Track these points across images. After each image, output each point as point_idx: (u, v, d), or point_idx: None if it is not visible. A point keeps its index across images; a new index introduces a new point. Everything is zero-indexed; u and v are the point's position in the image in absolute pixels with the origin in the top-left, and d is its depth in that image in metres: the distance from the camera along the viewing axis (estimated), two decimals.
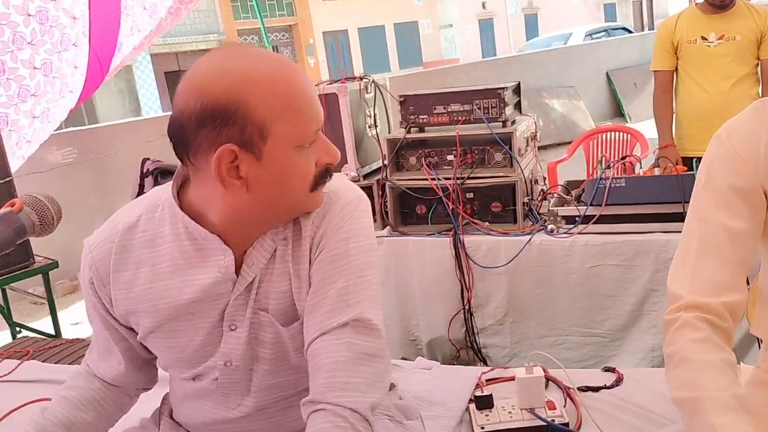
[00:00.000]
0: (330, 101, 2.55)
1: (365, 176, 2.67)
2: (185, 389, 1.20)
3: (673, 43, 2.84)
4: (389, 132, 2.78)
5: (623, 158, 2.57)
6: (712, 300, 1.02)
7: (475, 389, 1.55)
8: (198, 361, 1.14)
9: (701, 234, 1.08)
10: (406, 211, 2.60)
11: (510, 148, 2.40)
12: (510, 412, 1.43)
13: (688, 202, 2.10)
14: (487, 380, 1.62)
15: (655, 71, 2.95)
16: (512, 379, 1.50)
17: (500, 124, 2.45)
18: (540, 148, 2.89)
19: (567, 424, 1.40)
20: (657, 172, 2.41)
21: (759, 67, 2.81)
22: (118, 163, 4.83)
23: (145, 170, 3.00)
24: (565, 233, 2.34)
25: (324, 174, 1.05)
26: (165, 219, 1.09)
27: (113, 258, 1.11)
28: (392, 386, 1.33)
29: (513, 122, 2.52)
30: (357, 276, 1.05)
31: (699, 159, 2.22)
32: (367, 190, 2.61)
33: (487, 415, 1.43)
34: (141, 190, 2.98)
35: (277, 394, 1.15)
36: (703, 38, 2.77)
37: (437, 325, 2.54)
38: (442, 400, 1.51)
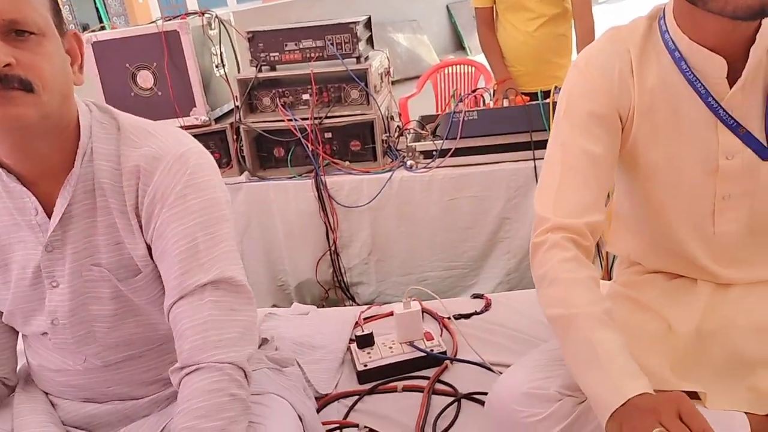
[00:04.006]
0: (171, 39, 2.36)
1: (217, 120, 2.53)
2: (34, 341, 1.15)
3: None
4: (239, 71, 2.64)
5: (474, 91, 2.62)
6: (575, 221, 1.08)
7: (354, 329, 1.56)
8: (28, 317, 1.09)
9: (563, 159, 1.13)
10: (263, 154, 2.51)
11: (366, 85, 2.37)
12: (391, 348, 1.47)
13: (535, 131, 2.26)
14: (365, 318, 1.64)
15: (475, 7, 2.96)
16: (390, 315, 1.53)
17: (354, 60, 2.40)
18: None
19: (445, 352, 1.46)
20: (505, 103, 2.49)
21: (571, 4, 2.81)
22: None
23: None
24: (424, 168, 2.38)
25: None
26: None
27: None
28: (265, 341, 1.30)
29: (366, 58, 2.48)
30: (204, 233, 1.00)
31: (544, 91, 2.33)
32: (221, 134, 2.48)
33: (368, 353, 1.45)
34: None
35: (126, 351, 1.11)
36: None
37: (304, 268, 2.51)
38: (322, 344, 1.51)
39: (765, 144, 1.08)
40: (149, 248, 1.03)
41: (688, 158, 1.12)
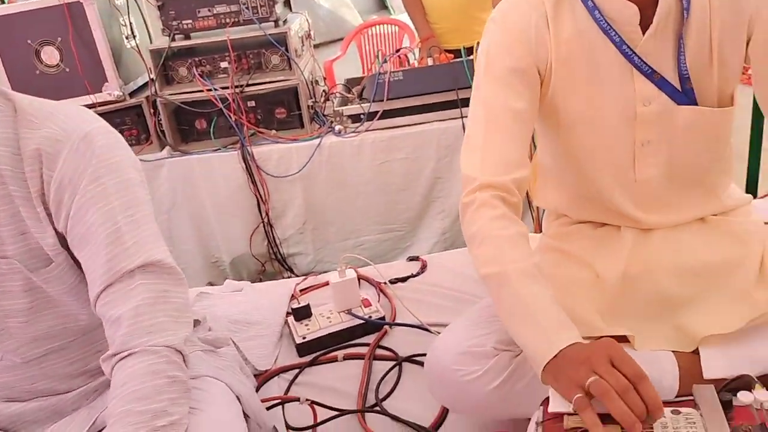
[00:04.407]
0: (75, 11, 2.22)
1: (131, 94, 2.42)
2: None
3: None
4: (151, 42, 2.52)
5: (398, 51, 2.59)
6: (502, 178, 1.07)
7: (291, 301, 1.54)
8: None
9: (487, 117, 1.12)
10: (184, 128, 2.42)
11: (286, 50, 2.31)
12: (329, 318, 1.45)
13: (461, 88, 2.26)
14: (301, 290, 1.62)
15: None
16: (326, 284, 1.51)
17: (272, 24, 2.33)
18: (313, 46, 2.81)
19: (383, 318, 1.46)
20: (430, 62, 2.47)
21: None
22: None
23: None
24: (353, 132, 2.35)
25: None
26: None
27: None
28: (197, 322, 1.26)
29: (285, 21, 2.41)
30: (125, 216, 0.96)
31: (467, 48, 2.32)
32: (137, 109, 2.38)
33: (306, 325, 1.43)
34: None
35: (47, 345, 1.06)
36: None
37: (238, 243, 2.46)
38: (258, 320, 1.48)
39: (679, 89, 1.10)
40: (60, 237, 0.97)
41: (607, 107, 1.13)
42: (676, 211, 1.20)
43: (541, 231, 1.44)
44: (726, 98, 1.13)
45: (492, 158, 1.09)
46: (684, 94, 1.10)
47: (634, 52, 1.08)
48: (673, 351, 1.11)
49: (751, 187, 2.30)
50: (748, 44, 1.08)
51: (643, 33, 1.07)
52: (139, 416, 0.86)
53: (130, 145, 2.34)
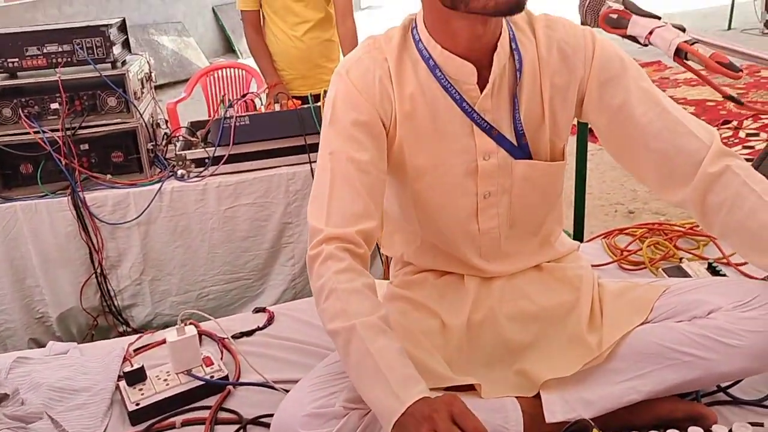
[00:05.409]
0: None
1: None
2: None
3: None
4: None
5: (244, 96, 2.55)
6: (348, 230, 1.07)
7: (123, 363, 1.41)
8: None
9: (333, 168, 1.11)
10: (7, 172, 2.20)
11: (124, 92, 2.18)
12: (166, 380, 1.34)
13: (309, 134, 2.25)
14: (135, 350, 1.49)
15: (241, 10, 2.89)
16: (163, 342, 1.40)
17: (109, 65, 2.21)
18: (155, 88, 2.69)
19: (227, 377, 1.37)
20: (277, 108, 2.45)
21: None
22: None
23: None
24: (197, 177, 2.25)
25: None
26: None
27: None
28: (6, 396, 1.11)
29: (124, 63, 2.29)
30: None
31: (314, 95, 2.33)
32: None
33: (141, 390, 1.31)
34: None
35: None
36: None
37: (66, 296, 2.25)
38: (86, 386, 1.34)
39: (516, 144, 1.16)
40: None
41: (450, 161, 1.16)
42: (516, 260, 1.25)
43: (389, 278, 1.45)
44: (558, 153, 1.20)
45: (337, 210, 1.08)
46: (520, 148, 1.16)
47: (474, 109, 1.12)
48: (517, 396, 1.14)
49: (578, 232, 2.48)
50: (582, 104, 1.17)
51: (481, 91, 1.12)
52: None
53: None
